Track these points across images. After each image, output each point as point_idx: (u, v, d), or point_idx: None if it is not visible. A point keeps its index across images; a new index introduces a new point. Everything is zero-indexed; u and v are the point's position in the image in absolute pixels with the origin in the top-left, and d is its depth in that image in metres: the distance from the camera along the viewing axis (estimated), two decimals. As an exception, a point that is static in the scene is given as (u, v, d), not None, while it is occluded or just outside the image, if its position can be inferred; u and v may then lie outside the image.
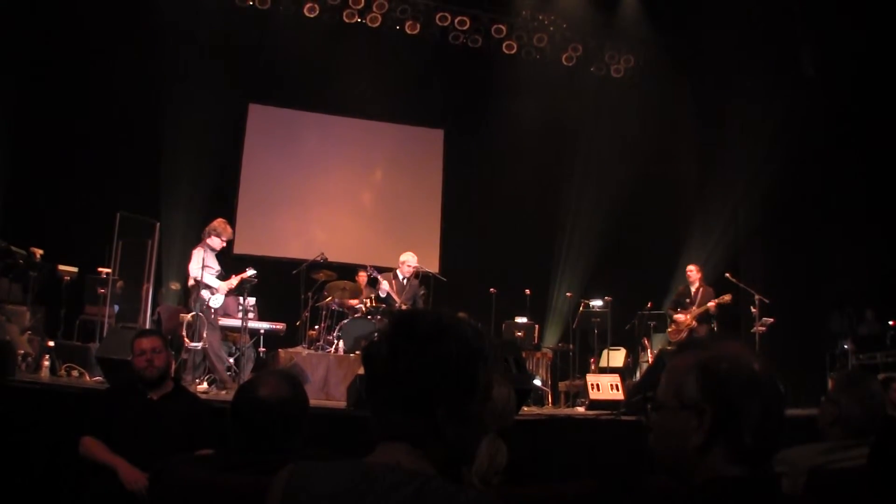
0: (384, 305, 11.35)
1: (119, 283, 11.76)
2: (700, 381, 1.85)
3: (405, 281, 11.51)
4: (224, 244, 10.21)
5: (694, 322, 11.96)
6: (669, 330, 12.31)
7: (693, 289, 12.22)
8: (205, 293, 9.83)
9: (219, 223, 10.25)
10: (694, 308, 12.01)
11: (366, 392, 1.83)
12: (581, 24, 15.12)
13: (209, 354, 9.74)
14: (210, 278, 9.88)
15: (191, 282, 10.05)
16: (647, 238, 14.67)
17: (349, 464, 1.73)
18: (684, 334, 11.97)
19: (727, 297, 11.80)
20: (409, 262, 11.60)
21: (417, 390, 1.74)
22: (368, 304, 11.45)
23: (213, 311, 9.87)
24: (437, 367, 1.75)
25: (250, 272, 10.21)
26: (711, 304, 11.81)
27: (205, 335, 9.71)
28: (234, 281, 10.05)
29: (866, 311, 12.69)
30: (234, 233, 10.62)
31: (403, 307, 11.14)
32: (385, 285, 11.39)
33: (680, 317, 12.13)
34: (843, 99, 12.76)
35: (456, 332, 1.80)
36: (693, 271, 12.35)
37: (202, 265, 9.84)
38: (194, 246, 10.15)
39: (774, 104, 12.96)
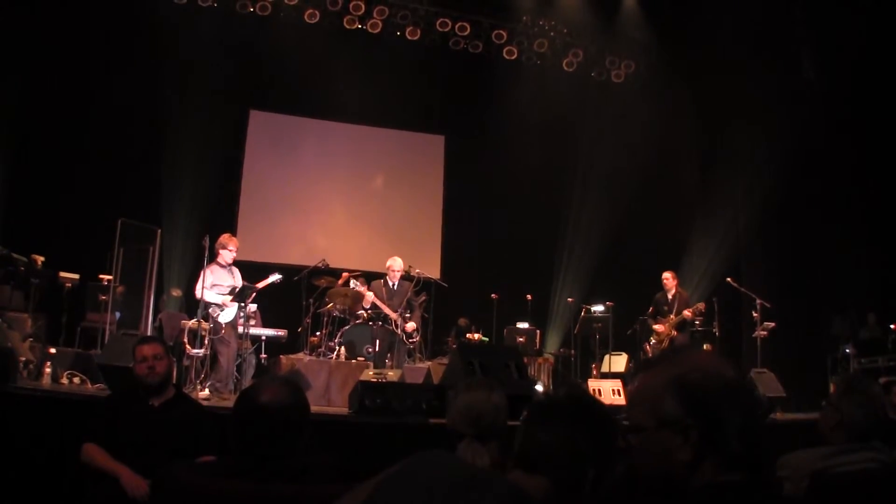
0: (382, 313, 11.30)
1: (120, 290, 11.76)
2: (678, 397, 1.83)
3: (394, 286, 11.44)
4: (234, 253, 10.21)
5: (673, 331, 11.94)
6: (653, 341, 12.24)
7: (669, 296, 12.19)
8: (212, 310, 9.87)
9: (224, 237, 10.28)
10: (672, 317, 11.98)
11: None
12: (581, 29, 15.15)
13: (219, 364, 9.74)
14: (211, 295, 9.90)
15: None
16: (648, 243, 14.66)
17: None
18: (665, 343, 11.94)
19: (701, 306, 11.81)
20: (394, 266, 11.50)
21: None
22: (369, 311, 11.42)
23: (223, 326, 9.87)
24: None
25: (273, 277, 10.30)
26: (687, 312, 11.80)
27: (220, 349, 9.74)
28: (231, 306, 10.08)
29: (868, 315, 12.68)
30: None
31: (395, 313, 11.11)
32: (370, 296, 11.32)
33: (659, 327, 12.10)
34: (843, 102, 12.78)
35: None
36: (669, 278, 12.31)
37: (209, 284, 9.89)
38: (207, 264, 10.12)
39: (775, 108, 12.98)
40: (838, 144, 12.96)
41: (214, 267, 10.05)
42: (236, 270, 10.29)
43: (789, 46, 13.38)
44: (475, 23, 14.99)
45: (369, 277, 11.82)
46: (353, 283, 11.46)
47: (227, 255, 10.12)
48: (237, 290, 10.03)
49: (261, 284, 10.24)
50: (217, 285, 9.96)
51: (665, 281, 12.31)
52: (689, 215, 15.09)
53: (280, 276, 10.41)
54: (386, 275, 11.52)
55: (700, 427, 1.80)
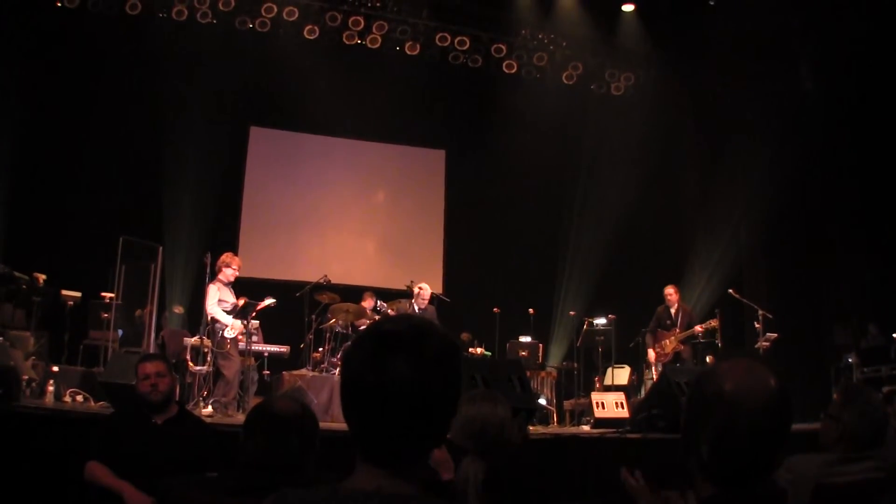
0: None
1: (137, 312, 11.78)
2: (686, 396, 2.00)
3: (420, 312, 11.49)
4: (237, 272, 10.23)
5: (680, 345, 11.92)
6: (656, 351, 12.19)
7: (673, 310, 12.16)
8: (218, 326, 9.90)
9: (227, 256, 10.31)
10: (676, 331, 11.96)
11: (350, 410, 1.70)
12: (581, 42, 15.15)
13: (221, 382, 9.74)
14: (221, 314, 9.92)
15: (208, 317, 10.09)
16: (649, 255, 14.67)
17: (329, 491, 1.65)
18: (669, 357, 11.93)
19: (714, 323, 11.75)
20: (423, 294, 11.64)
21: (417, 420, 1.63)
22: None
23: (227, 341, 9.88)
24: (448, 392, 1.67)
25: (269, 301, 10.32)
26: (698, 328, 11.78)
27: (224, 364, 9.74)
28: (236, 324, 10.05)
29: (869, 325, 12.65)
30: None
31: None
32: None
33: (665, 342, 12.06)
34: (843, 112, 12.79)
35: (455, 349, 1.72)
36: (672, 293, 12.28)
37: (216, 301, 9.91)
38: (210, 281, 10.13)
39: (775, 118, 12.99)
40: (838, 154, 12.98)
41: (220, 285, 10.07)
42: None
43: (788, 56, 13.40)
44: (474, 37, 14.99)
45: (375, 294, 11.93)
46: (379, 305, 11.69)
47: (229, 274, 10.15)
48: (238, 307, 10.06)
49: (257, 307, 10.31)
50: (223, 301, 9.99)
51: (668, 295, 12.26)
52: (691, 226, 15.09)
53: (274, 301, 10.44)
54: (413, 298, 11.62)
55: (686, 427, 1.91)
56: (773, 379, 1.89)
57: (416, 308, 11.52)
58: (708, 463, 1.85)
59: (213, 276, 10.14)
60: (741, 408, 1.84)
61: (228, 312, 9.95)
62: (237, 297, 10.22)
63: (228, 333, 9.87)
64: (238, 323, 9.96)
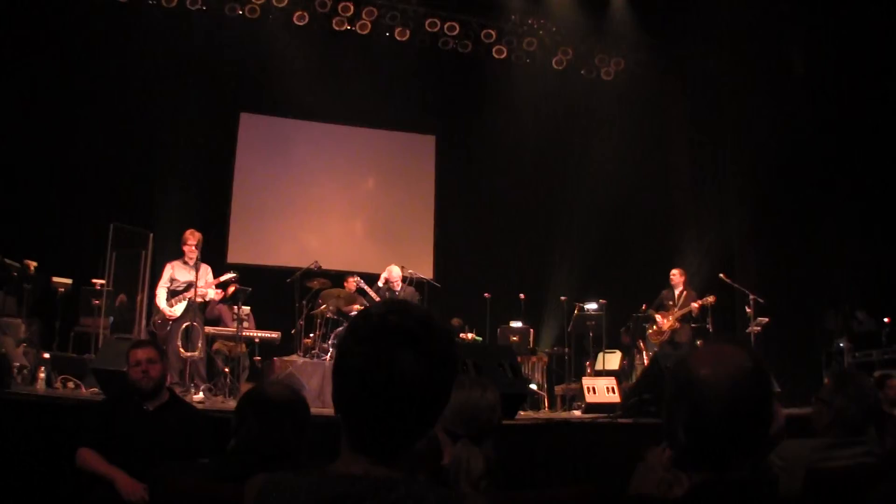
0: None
1: (122, 297, 11.76)
2: (666, 383, 1.97)
3: (397, 294, 11.49)
4: (193, 248, 10.15)
5: (677, 323, 11.94)
6: (650, 332, 12.29)
7: (676, 292, 12.19)
8: (160, 305, 10.10)
9: (185, 233, 10.29)
10: (676, 310, 11.99)
11: (343, 399, 1.75)
12: (570, 27, 15.09)
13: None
14: (161, 298, 10.03)
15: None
16: (640, 240, 14.68)
17: (319, 474, 1.69)
18: (667, 336, 11.97)
19: (711, 299, 11.78)
20: (391, 277, 11.64)
21: (419, 412, 1.67)
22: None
23: (168, 320, 10.01)
24: (449, 384, 1.70)
25: (229, 275, 10.31)
26: (695, 304, 11.80)
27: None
28: (173, 312, 10.08)
29: (857, 312, 12.65)
30: (219, 241, 10.59)
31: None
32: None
33: (661, 318, 12.11)
34: (833, 98, 12.79)
35: (453, 340, 1.75)
36: (676, 275, 12.33)
37: (167, 279, 10.08)
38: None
39: (766, 104, 12.99)
40: (829, 140, 12.98)
41: (177, 263, 10.08)
42: (206, 268, 10.27)
43: (779, 42, 13.39)
44: (464, 22, 14.94)
45: (364, 279, 11.91)
46: (357, 281, 11.66)
47: (187, 251, 10.13)
48: (193, 285, 10.02)
49: (221, 278, 10.37)
50: (175, 280, 9.97)
51: (672, 277, 12.30)
52: (682, 211, 15.11)
53: (235, 275, 10.47)
54: (389, 284, 11.61)
55: (665, 413, 1.93)
56: (746, 362, 1.88)
57: (395, 292, 11.50)
58: (686, 447, 1.85)
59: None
60: (709, 392, 1.84)
61: (181, 291, 9.95)
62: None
63: (174, 311, 9.92)
64: (176, 310, 9.96)
